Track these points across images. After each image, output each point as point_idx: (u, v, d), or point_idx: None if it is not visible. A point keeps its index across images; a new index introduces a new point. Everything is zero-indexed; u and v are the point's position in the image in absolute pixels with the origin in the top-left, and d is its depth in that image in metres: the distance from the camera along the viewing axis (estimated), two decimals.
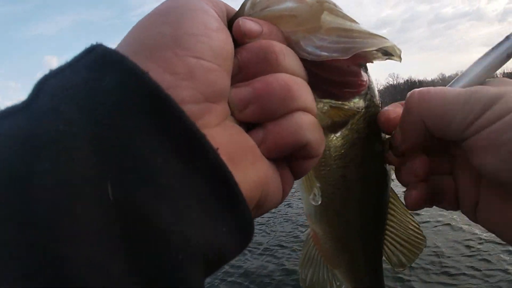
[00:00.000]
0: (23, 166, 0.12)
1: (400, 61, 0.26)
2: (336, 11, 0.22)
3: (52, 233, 0.11)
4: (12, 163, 0.12)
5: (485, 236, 2.61)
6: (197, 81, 0.17)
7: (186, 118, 0.15)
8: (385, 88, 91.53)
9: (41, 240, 0.11)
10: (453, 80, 0.30)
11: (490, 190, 0.26)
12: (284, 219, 3.77)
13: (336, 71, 0.25)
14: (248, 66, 0.20)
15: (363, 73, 0.26)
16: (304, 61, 0.23)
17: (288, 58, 0.21)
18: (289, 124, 0.20)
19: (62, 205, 0.11)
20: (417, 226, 0.37)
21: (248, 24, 0.20)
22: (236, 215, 0.16)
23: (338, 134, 0.30)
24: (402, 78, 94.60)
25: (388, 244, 0.38)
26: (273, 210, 3.49)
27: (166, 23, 0.17)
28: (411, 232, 0.37)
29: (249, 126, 0.21)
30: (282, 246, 3.00)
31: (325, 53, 0.22)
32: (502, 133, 0.22)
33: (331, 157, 0.30)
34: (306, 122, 0.20)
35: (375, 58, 0.26)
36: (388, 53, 0.25)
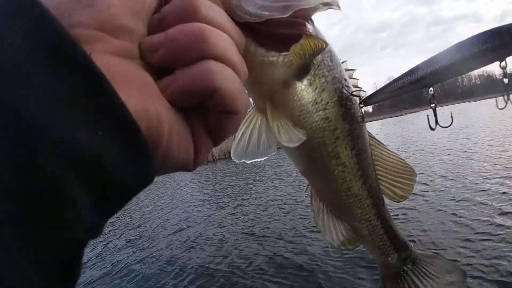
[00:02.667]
0: None
1: (340, 10, 0.30)
2: None
3: None
4: None
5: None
6: (96, 11, 0.17)
7: (59, 24, 0.15)
8: None
9: None
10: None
11: None
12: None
13: (282, 25, 0.28)
14: (168, 17, 0.20)
15: (307, 25, 0.30)
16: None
17: (211, 11, 0.21)
18: (198, 68, 0.19)
19: None
20: (402, 160, 0.40)
21: None
22: (113, 118, 0.15)
23: (305, 82, 0.33)
24: None
25: (383, 182, 0.40)
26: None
27: None
28: (399, 166, 0.40)
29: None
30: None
31: (266, 13, 0.25)
32: None
33: (308, 102, 0.33)
34: (218, 69, 0.19)
35: (316, 10, 0.29)
36: (327, 3, 0.28)
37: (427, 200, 3.60)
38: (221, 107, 0.20)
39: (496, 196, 3.32)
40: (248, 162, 0.33)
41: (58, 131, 0.14)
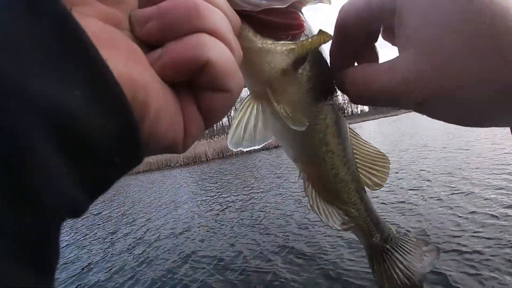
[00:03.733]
0: None
1: (330, 4, 0.31)
2: None
3: None
4: None
5: None
6: None
7: None
8: None
9: None
10: None
11: None
12: None
13: (280, 15, 0.29)
14: None
15: (301, 16, 0.31)
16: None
17: None
18: (189, 39, 0.18)
19: None
20: (376, 149, 0.44)
21: None
22: (93, 76, 0.14)
23: (302, 70, 0.33)
24: None
25: (361, 170, 0.43)
26: None
27: None
28: (374, 155, 0.43)
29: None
30: None
31: (264, 2, 0.26)
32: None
33: (305, 90, 0.34)
34: (210, 42, 0.19)
35: (308, 2, 0.31)
36: None
37: (425, 195, 3.70)
38: (213, 82, 0.19)
39: (497, 190, 3.50)
40: (245, 150, 0.32)
41: (27, 84, 0.12)
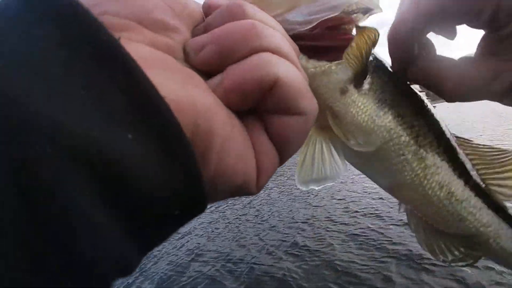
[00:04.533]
0: None
1: (381, 11, 0.27)
2: None
3: None
4: None
5: None
6: (128, 2, 0.15)
7: (82, 6, 0.12)
8: None
9: None
10: None
11: None
12: None
13: (327, 37, 0.26)
14: (214, 22, 0.18)
15: (350, 34, 0.28)
16: (299, 39, 0.23)
17: (260, 13, 0.18)
18: (252, 59, 0.16)
19: None
20: (496, 147, 0.33)
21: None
22: (144, 112, 0.12)
23: (364, 85, 0.29)
24: None
25: (491, 181, 0.32)
26: None
27: None
28: (497, 155, 0.32)
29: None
30: None
31: (317, 16, 0.23)
32: None
33: (373, 105, 0.29)
34: (276, 60, 0.17)
35: (358, 20, 0.27)
36: (367, 11, 0.26)
37: None
38: (285, 104, 0.17)
39: None
40: (316, 188, 0.28)
41: (61, 123, 0.10)
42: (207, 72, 0.16)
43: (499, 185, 0.32)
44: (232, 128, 0.16)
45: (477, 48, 0.27)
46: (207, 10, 0.19)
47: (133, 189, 0.11)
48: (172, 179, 0.12)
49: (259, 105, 0.17)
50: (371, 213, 3.22)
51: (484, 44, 0.27)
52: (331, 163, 0.28)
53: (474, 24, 0.25)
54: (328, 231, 3.00)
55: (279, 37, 0.18)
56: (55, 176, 0.10)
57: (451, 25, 0.27)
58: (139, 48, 0.14)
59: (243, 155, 0.16)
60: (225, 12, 0.18)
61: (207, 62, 0.16)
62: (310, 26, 0.23)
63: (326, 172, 0.28)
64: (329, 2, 0.24)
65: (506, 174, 0.32)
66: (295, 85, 0.17)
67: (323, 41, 0.27)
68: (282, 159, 0.19)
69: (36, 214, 0.10)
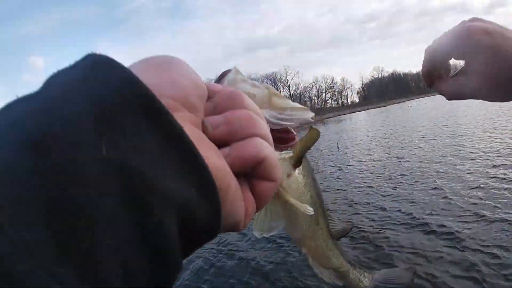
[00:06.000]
0: (37, 130, 0.15)
1: (312, 120, 0.44)
2: (279, 95, 0.35)
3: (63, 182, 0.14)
4: (28, 127, 0.15)
5: None
6: (179, 89, 0.22)
7: (163, 107, 0.18)
8: (370, 81, 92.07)
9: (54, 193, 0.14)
10: None
11: None
12: None
13: (283, 132, 0.40)
14: (220, 105, 0.25)
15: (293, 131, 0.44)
16: None
17: (250, 101, 0.26)
18: (251, 142, 0.23)
19: (71, 162, 0.15)
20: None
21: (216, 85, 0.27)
22: (201, 177, 0.19)
23: (297, 171, 0.47)
24: (387, 72, 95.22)
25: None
26: None
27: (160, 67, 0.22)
28: None
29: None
30: None
31: (285, 123, 0.37)
32: None
33: (303, 186, 0.46)
34: (265, 144, 0.24)
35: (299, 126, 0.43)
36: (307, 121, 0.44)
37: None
38: (266, 173, 0.24)
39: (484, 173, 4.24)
40: (266, 236, 0.46)
41: (162, 182, 0.17)
42: (217, 143, 0.23)
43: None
44: (235, 184, 0.23)
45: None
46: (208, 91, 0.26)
47: (195, 225, 0.19)
48: (210, 218, 0.20)
49: (249, 172, 0.24)
50: None
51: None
52: (275, 219, 0.44)
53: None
54: None
55: (265, 127, 0.25)
56: (166, 220, 0.17)
57: None
58: (190, 128, 0.20)
59: (241, 204, 0.24)
60: (229, 99, 0.25)
61: (219, 137, 0.23)
62: (278, 127, 0.36)
63: (272, 226, 0.44)
64: (293, 115, 0.36)
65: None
66: (274, 162, 0.25)
67: (277, 134, 0.36)
68: (258, 208, 0.26)
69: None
